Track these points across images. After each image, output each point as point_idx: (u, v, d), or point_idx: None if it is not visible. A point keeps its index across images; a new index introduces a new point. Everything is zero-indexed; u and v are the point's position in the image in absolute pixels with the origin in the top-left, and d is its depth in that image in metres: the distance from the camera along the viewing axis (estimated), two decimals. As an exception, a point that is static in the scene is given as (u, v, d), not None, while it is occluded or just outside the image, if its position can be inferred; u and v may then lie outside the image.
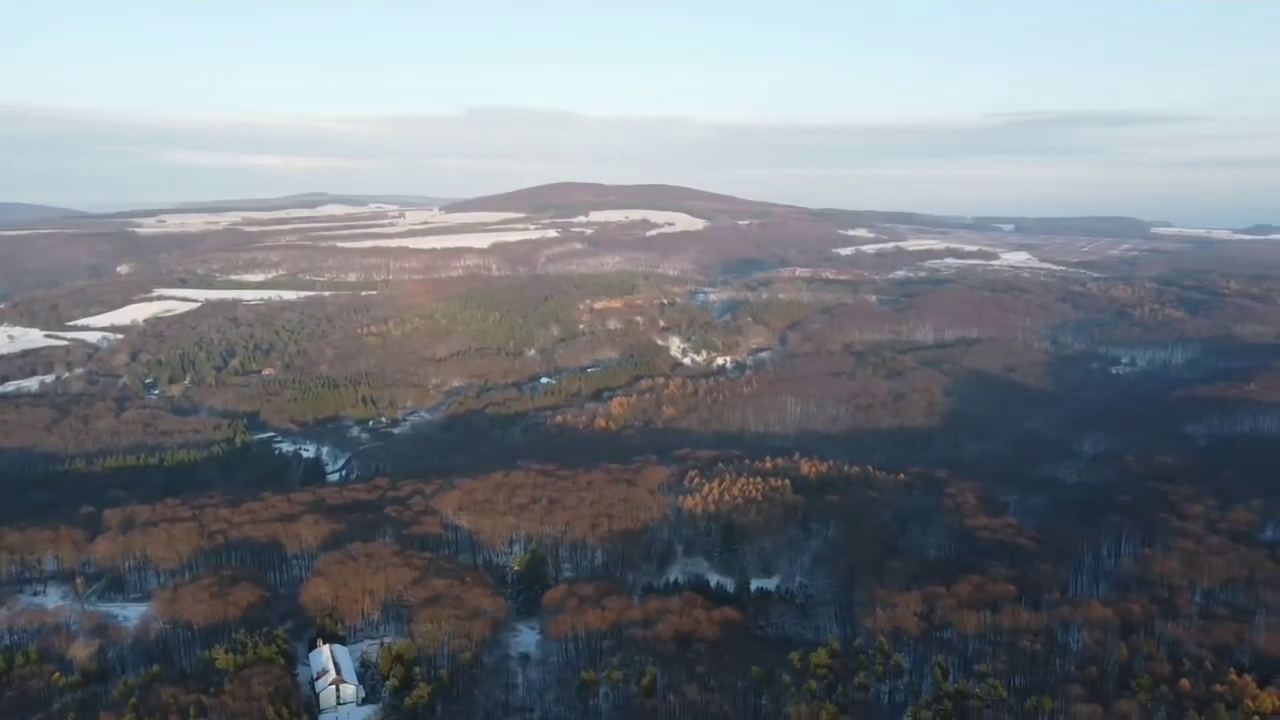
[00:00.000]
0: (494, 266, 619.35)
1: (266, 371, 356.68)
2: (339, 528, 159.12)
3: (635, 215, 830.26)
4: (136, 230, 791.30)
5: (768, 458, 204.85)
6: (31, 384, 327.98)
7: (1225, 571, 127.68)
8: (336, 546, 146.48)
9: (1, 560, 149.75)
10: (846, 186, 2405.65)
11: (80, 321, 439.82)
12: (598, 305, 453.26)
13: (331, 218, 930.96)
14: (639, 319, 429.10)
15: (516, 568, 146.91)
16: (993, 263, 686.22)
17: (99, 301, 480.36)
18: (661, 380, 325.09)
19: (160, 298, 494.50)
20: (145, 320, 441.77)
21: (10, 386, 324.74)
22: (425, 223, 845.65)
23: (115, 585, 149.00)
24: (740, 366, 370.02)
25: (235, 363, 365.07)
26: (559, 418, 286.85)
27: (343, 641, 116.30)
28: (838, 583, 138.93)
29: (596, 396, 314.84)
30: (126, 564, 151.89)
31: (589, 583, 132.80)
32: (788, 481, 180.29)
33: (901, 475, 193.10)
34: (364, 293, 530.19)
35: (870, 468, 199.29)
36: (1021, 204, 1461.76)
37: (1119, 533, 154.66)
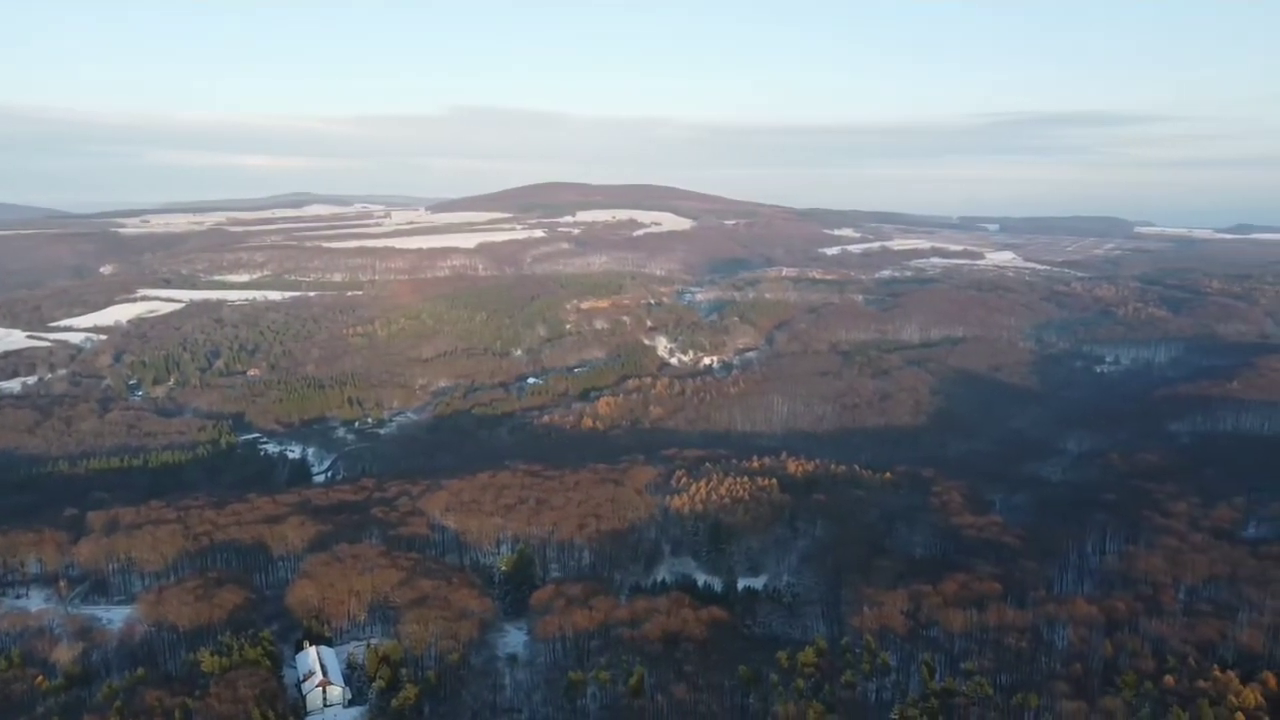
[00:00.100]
0: (480, 266, 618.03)
1: (252, 372, 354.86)
2: (325, 529, 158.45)
3: (622, 215, 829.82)
4: (120, 230, 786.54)
5: (755, 457, 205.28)
6: (14, 385, 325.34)
7: (1208, 568, 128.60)
8: (323, 548, 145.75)
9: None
10: (832, 186, 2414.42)
11: (63, 322, 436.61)
12: (584, 305, 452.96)
13: (317, 218, 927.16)
14: (626, 319, 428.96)
15: (504, 568, 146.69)
16: (978, 262, 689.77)
17: (82, 302, 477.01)
18: (648, 380, 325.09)
19: (144, 298, 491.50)
20: (129, 321, 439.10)
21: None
22: (411, 223, 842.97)
23: (99, 588, 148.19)
24: (727, 366, 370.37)
25: (220, 363, 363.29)
26: (546, 418, 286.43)
27: (329, 643, 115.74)
28: (825, 581, 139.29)
29: (583, 396, 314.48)
30: (110, 566, 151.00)
31: (576, 583, 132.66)
32: (775, 481, 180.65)
33: (888, 474, 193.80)
34: (350, 293, 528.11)
35: (857, 467, 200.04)
36: (1006, 204, 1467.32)
37: (1103, 530, 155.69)
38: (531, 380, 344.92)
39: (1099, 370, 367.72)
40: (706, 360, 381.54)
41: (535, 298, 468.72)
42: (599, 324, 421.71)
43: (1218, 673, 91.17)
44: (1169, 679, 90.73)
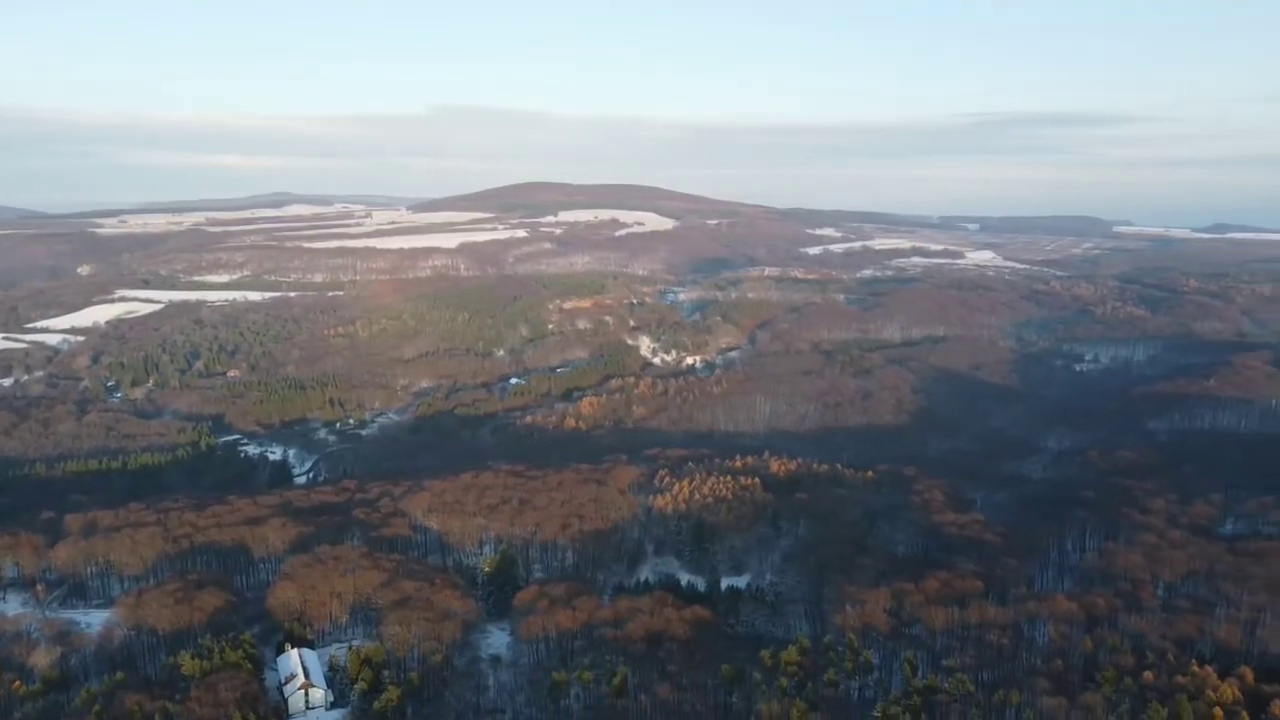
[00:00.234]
0: (462, 267, 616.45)
1: (232, 373, 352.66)
2: (306, 531, 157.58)
3: (604, 215, 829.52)
4: (97, 231, 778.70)
5: (738, 456, 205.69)
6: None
7: (1186, 565, 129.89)
8: (304, 549, 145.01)
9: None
10: (814, 186, 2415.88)
11: (40, 323, 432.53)
12: (567, 305, 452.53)
13: (297, 218, 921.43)
14: (608, 319, 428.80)
15: (487, 569, 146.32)
16: (958, 261, 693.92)
17: (59, 303, 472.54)
18: (631, 380, 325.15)
19: (122, 299, 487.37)
20: (107, 322, 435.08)
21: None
22: (392, 223, 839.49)
23: (77, 591, 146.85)
24: (710, 366, 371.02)
25: (200, 365, 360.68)
26: (529, 418, 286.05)
27: (311, 645, 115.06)
28: (807, 580, 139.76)
29: (566, 396, 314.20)
30: (89, 570, 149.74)
31: (560, 583, 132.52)
32: (758, 480, 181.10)
33: (870, 473, 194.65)
34: (331, 293, 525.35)
35: (839, 466, 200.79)
36: (986, 203, 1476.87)
37: (1083, 528, 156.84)
38: (514, 380, 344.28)
39: (1078, 369, 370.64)
40: (689, 360, 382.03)
41: (517, 298, 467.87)
42: (581, 324, 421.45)
43: (1196, 668, 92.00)
44: (1148, 675, 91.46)
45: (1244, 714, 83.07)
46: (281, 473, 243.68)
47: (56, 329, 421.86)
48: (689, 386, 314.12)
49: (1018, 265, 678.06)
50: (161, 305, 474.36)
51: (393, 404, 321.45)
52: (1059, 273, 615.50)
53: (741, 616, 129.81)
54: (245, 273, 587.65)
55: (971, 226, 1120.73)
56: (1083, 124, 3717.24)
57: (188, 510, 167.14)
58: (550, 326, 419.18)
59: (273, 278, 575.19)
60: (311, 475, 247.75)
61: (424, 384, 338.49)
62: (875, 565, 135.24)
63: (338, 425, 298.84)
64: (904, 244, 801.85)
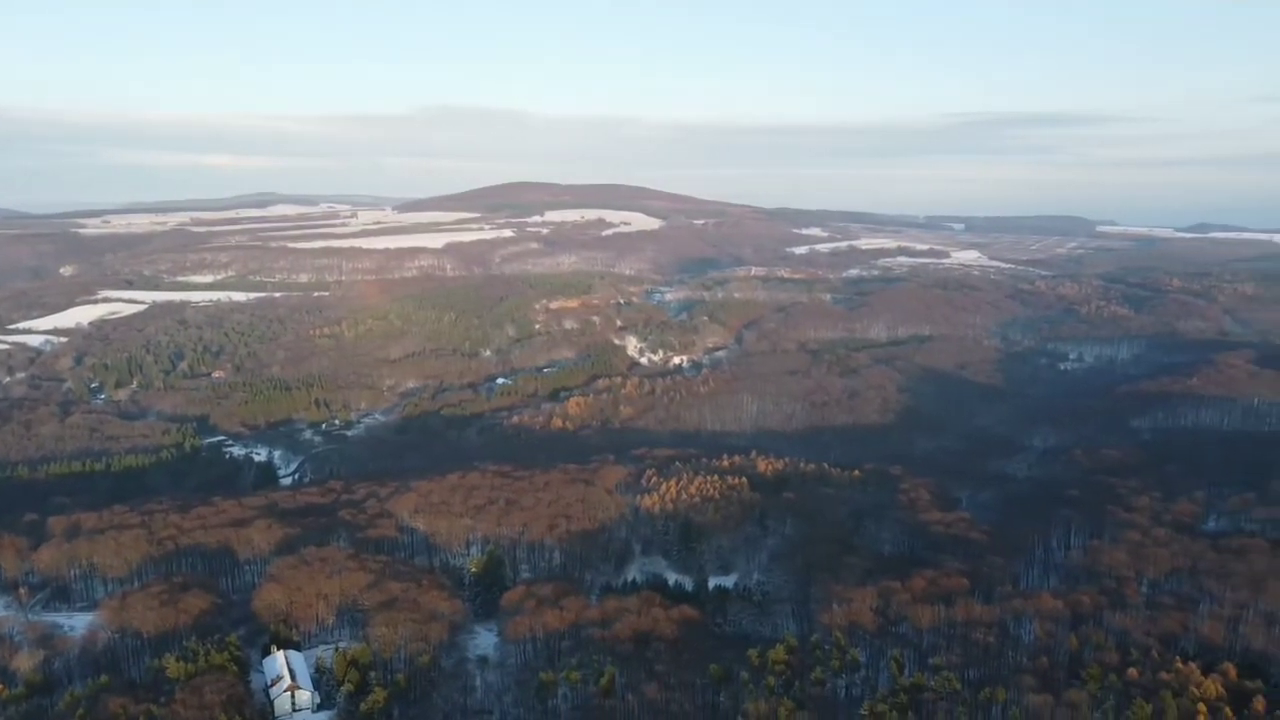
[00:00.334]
0: (448, 267, 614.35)
1: (216, 374, 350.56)
2: (292, 532, 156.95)
3: (591, 215, 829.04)
4: (80, 231, 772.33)
5: (725, 456, 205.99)
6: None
7: (1170, 562, 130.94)
8: (290, 551, 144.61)
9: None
10: (801, 186, 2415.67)
11: (22, 324, 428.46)
12: (554, 305, 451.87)
13: (282, 218, 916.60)
14: (595, 319, 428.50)
15: (474, 569, 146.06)
16: (944, 261, 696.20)
17: (41, 304, 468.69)
18: (618, 380, 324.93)
19: (105, 300, 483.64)
20: (90, 323, 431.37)
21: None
22: (378, 223, 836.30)
23: (61, 594, 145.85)
24: (697, 365, 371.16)
25: (184, 365, 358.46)
26: (515, 418, 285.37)
27: (297, 647, 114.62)
28: (795, 579, 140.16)
29: (553, 396, 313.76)
30: (72, 572, 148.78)
31: (547, 583, 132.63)
32: (745, 479, 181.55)
33: (856, 472, 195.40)
34: (316, 294, 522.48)
35: (826, 465, 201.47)
36: (972, 203, 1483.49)
37: (1068, 526, 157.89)
38: (501, 381, 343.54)
39: (1063, 368, 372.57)
40: (676, 360, 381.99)
41: (504, 298, 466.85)
42: (568, 324, 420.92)
43: (1180, 664, 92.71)
44: (1132, 671, 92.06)
45: (1227, 710, 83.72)
46: (267, 474, 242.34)
47: (39, 330, 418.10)
48: (676, 386, 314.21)
49: (1003, 265, 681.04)
50: (145, 306, 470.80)
51: (379, 404, 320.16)
52: (1044, 272, 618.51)
53: (729, 616, 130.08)
54: (230, 273, 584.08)
55: (957, 226, 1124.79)
56: (1067, 124, 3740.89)
57: (172, 512, 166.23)
58: (537, 326, 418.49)
59: (258, 278, 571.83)
60: (297, 476, 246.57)
61: (410, 384, 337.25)
62: (862, 564, 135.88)
63: (323, 426, 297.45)
64: (890, 244, 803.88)
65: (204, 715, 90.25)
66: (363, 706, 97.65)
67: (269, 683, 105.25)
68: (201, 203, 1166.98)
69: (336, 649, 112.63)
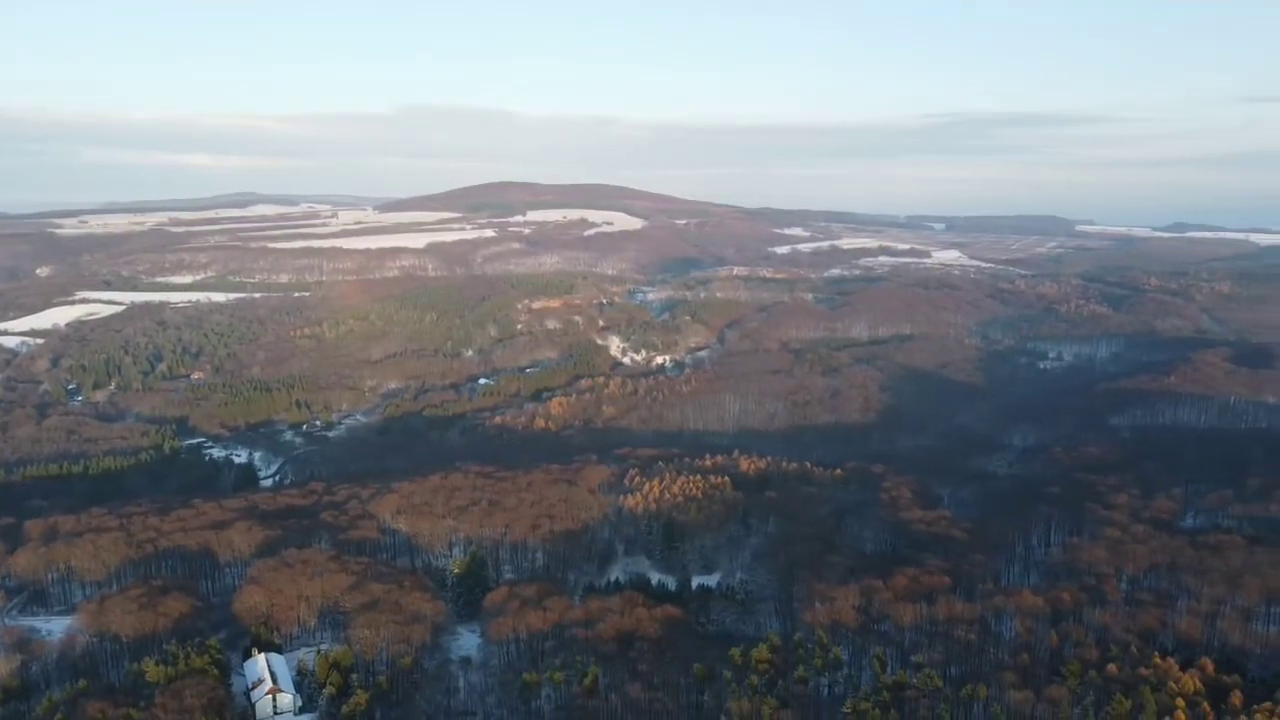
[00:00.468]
0: (430, 267, 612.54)
1: (196, 375, 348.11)
2: (273, 534, 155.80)
3: (573, 215, 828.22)
4: (56, 231, 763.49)
5: (707, 455, 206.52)
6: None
7: (1149, 558, 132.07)
8: (271, 553, 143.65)
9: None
10: (783, 186, 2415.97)
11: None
12: (536, 305, 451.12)
13: (262, 218, 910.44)
14: (578, 319, 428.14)
15: (456, 570, 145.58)
16: (925, 260, 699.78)
17: (17, 305, 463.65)
18: (601, 380, 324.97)
19: (83, 300, 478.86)
20: (67, 324, 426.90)
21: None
22: (359, 223, 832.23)
23: (38, 598, 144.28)
24: (679, 365, 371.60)
25: (163, 367, 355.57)
26: (498, 419, 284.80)
27: (278, 650, 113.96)
28: (777, 578, 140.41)
29: (536, 397, 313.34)
30: (50, 576, 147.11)
31: (530, 584, 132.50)
32: (727, 479, 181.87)
33: (839, 471, 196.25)
34: (297, 294, 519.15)
35: (808, 464, 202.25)
36: (952, 203, 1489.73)
37: (1048, 523, 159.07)
38: (483, 381, 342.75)
39: (1042, 366, 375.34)
40: (659, 359, 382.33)
41: (486, 298, 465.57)
42: (551, 324, 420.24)
43: (1158, 660, 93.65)
44: (1112, 667, 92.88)
45: (1205, 704, 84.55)
46: (247, 476, 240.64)
47: (15, 331, 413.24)
48: (658, 386, 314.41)
49: (983, 264, 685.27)
50: (123, 307, 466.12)
51: (360, 405, 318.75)
52: (1023, 271, 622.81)
53: (712, 615, 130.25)
54: (209, 273, 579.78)
55: (938, 226, 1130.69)
56: (1047, 125, 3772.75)
57: (151, 515, 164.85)
58: (519, 326, 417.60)
59: (237, 278, 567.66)
60: (278, 478, 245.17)
61: (392, 385, 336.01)
62: (844, 562, 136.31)
63: (304, 427, 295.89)
64: (871, 243, 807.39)
65: (184, 719, 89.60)
66: (345, 709, 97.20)
67: (250, 686, 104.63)
68: (180, 203, 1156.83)
69: (318, 651, 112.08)
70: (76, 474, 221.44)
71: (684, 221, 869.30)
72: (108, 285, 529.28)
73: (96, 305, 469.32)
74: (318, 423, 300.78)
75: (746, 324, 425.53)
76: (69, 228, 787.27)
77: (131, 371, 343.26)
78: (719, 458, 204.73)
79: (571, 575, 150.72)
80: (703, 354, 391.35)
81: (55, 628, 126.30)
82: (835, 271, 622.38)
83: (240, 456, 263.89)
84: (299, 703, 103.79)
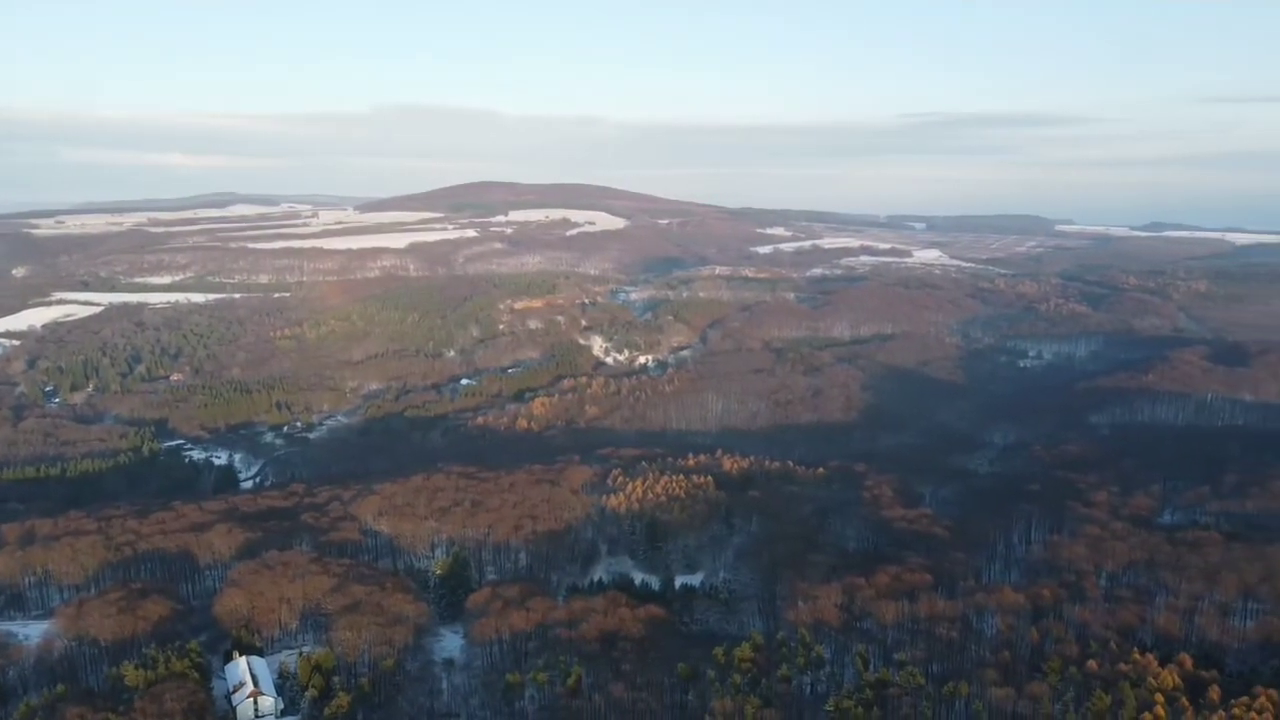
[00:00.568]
0: (411, 267, 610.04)
1: (175, 377, 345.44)
2: (254, 536, 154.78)
3: (555, 214, 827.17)
4: (33, 231, 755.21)
5: (690, 455, 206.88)
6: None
7: (1128, 555, 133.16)
8: (251, 556, 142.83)
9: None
10: (765, 186, 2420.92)
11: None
12: (518, 305, 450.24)
13: (242, 218, 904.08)
14: (560, 318, 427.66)
15: (439, 572, 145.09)
16: (906, 260, 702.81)
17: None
18: (583, 380, 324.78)
19: (60, 302, 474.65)
20: (44, 325, 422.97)
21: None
22: (340, 223, 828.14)
23: (15, 602, 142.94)
24: (662, 365, 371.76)
25: (141, 368, 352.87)
26: (480, 419, 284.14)
27: (260, 653, 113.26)
28: (760, 577, 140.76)
29: (518, 397, 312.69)
30: (26, 580, 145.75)
31: (513, 585, 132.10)
32: (710, 478, 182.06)
33: (821, 470, 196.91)
34: (277, 295, 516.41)
35: (790, 463, 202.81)
36: (933, 202, 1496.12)
37: (1029, 520, 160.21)
38: (465, 381, 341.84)
39: (1022, 365, 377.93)
40: (641, 359, 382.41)
41: (468, 298, 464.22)
42: (533, 324, 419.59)
43: (1138, 656, 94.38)
44: (1092, 663, 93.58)
45: (1184, 699, 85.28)
46: (227, 478, 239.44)
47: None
48: (641, 386, 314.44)
49: (964, 264, 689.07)
50: (101, 308, 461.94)
51: (341, 406, 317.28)
52: (1004, 271, 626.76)
53: (695, 614, 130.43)
54: (188, 274, 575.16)
55: (918, 225, 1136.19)
56: (1026, 125, 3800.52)
57: (130, 517, 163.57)
58: (501, 327, 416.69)
59: (217, 279, 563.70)
60: (258, 480, 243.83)
61: (373, 386, 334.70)
62: (827, 561, 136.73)
63: (285, 429, 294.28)
64: (853, 243, 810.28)
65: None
66: (327, 711, 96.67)
67: (231, 689, 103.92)
68: (158, 203, 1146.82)
69: (300, 654, 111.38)
70: (54, 477, 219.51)
71: (666, 221, 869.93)
72: (85, 286, 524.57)
73: (74, 306, 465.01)
74: (298, 424, 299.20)
75: (729, 323, 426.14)
76: (45, 228, 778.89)
77: (110, 373, 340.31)
78: (702, 457, 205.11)
79: (554, 576, 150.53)
80: (685, 353, 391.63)
81: (32, 632, 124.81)
82: (817, 271, 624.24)
83: (220, 458, 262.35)
84: (281, 705, 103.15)
